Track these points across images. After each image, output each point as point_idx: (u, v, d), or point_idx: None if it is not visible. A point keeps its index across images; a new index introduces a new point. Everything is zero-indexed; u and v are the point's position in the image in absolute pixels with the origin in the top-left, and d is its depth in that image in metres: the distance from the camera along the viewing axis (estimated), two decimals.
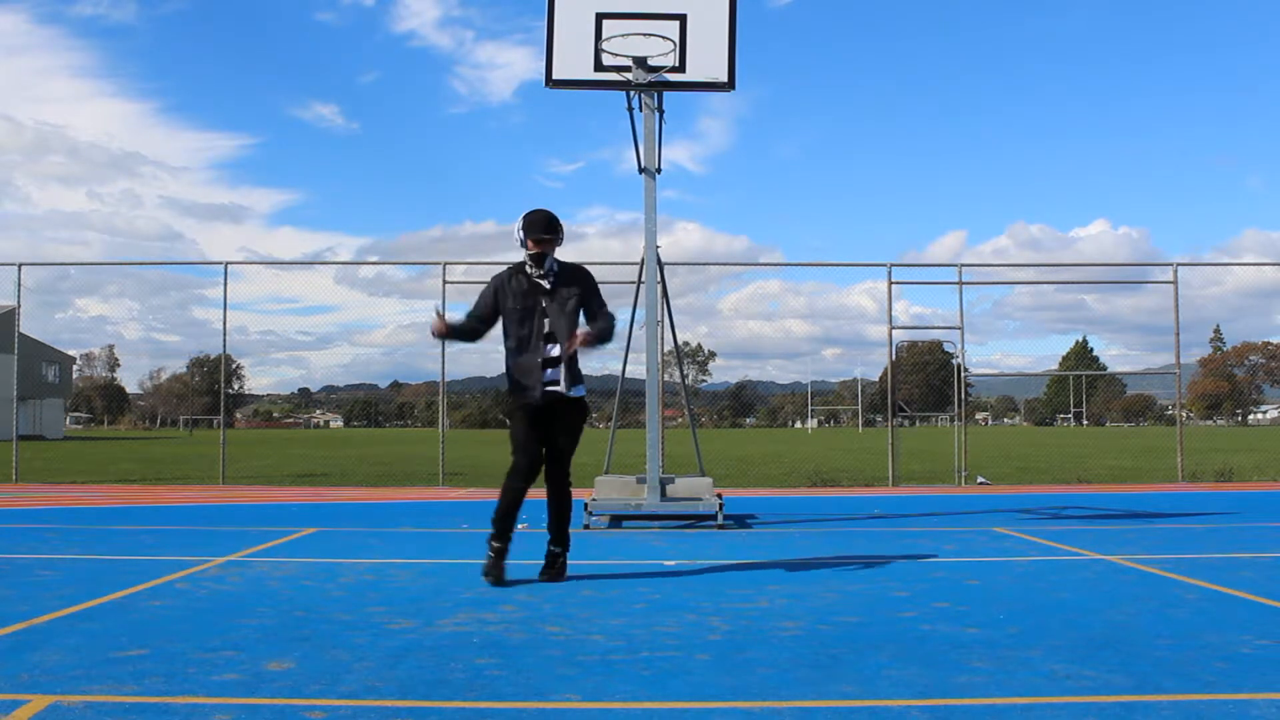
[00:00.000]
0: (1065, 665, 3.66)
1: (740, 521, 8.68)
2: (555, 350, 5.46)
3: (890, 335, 13.67)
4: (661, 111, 8.38)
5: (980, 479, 14.25)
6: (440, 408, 14.52)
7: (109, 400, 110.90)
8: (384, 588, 5.33)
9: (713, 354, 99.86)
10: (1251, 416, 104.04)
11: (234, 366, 57.45)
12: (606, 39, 8.12)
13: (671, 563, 6.27)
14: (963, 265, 14.29)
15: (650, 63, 8.14)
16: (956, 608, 4.73)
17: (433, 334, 5.73)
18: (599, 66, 8.23)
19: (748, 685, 3.40)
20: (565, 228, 5.56)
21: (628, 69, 8.15)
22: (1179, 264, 13.73)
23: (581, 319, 5.57)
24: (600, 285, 5.70)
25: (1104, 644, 3.99)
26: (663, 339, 9.91)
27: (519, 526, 8.39)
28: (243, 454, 25.99)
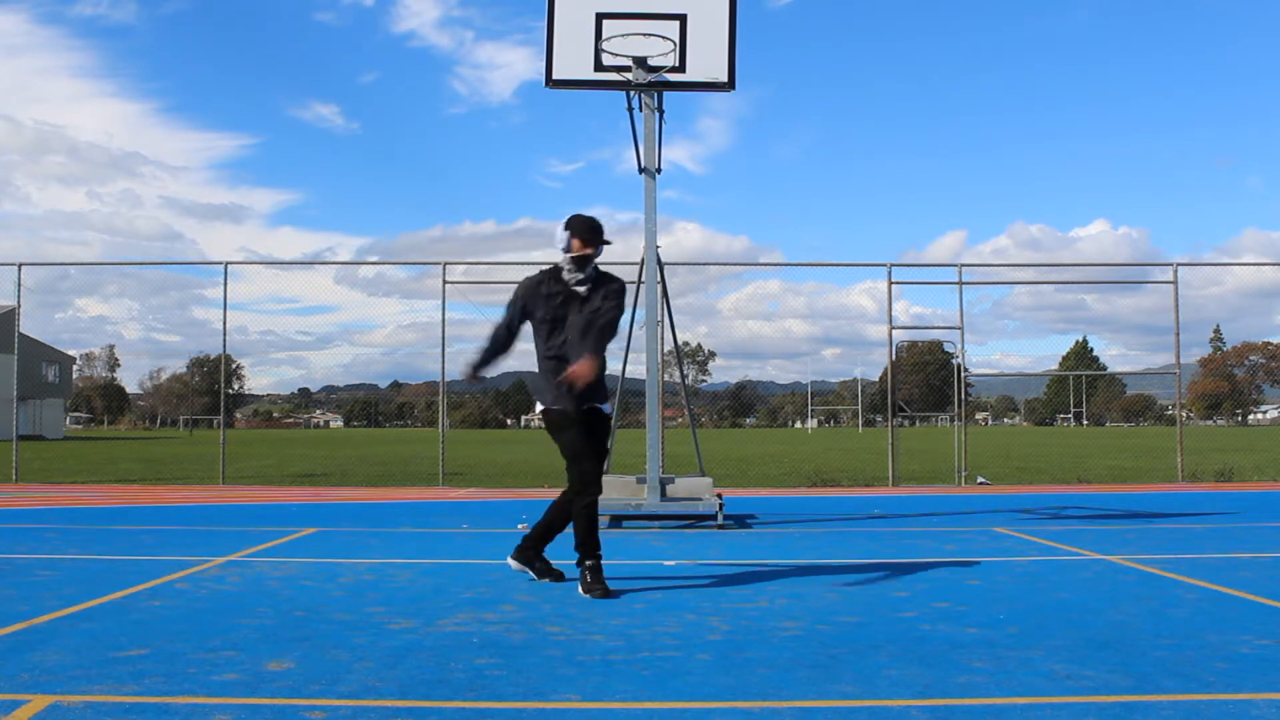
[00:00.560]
0: (1065, 665, 3.66)
1: (740, 521, 8.68)
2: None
3: (890, 335, 13.68)
4: (661, 111, 8.38)
5: (980, 479, 14.25)
6: (440, 408, 14.52)
7: (109, 400, 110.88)
8: (384, 588, 5.33)
9: (712, 354, 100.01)
10: (1251, 416, 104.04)
11: (234, 366, 57.41)
12: (606, 39, 8.12)
13: (671, 563, 6.28)
14: (963, 265, 14.30)
15: (650, 63, 8.14)
16: (956, 608, 4.73)
17: (469, 379, 5.48)
18: (599, 66, 8.23)
19: (748, 685, 3.40)
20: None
21: (628, 69, 8.15)
22: (1179, 264, 13.74)
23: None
24: None
25: (1104, 644, 3.99)
26: (663, 339, 9.91)
27: (519, 526, 8.39)
28: (243, 454, 25.99)
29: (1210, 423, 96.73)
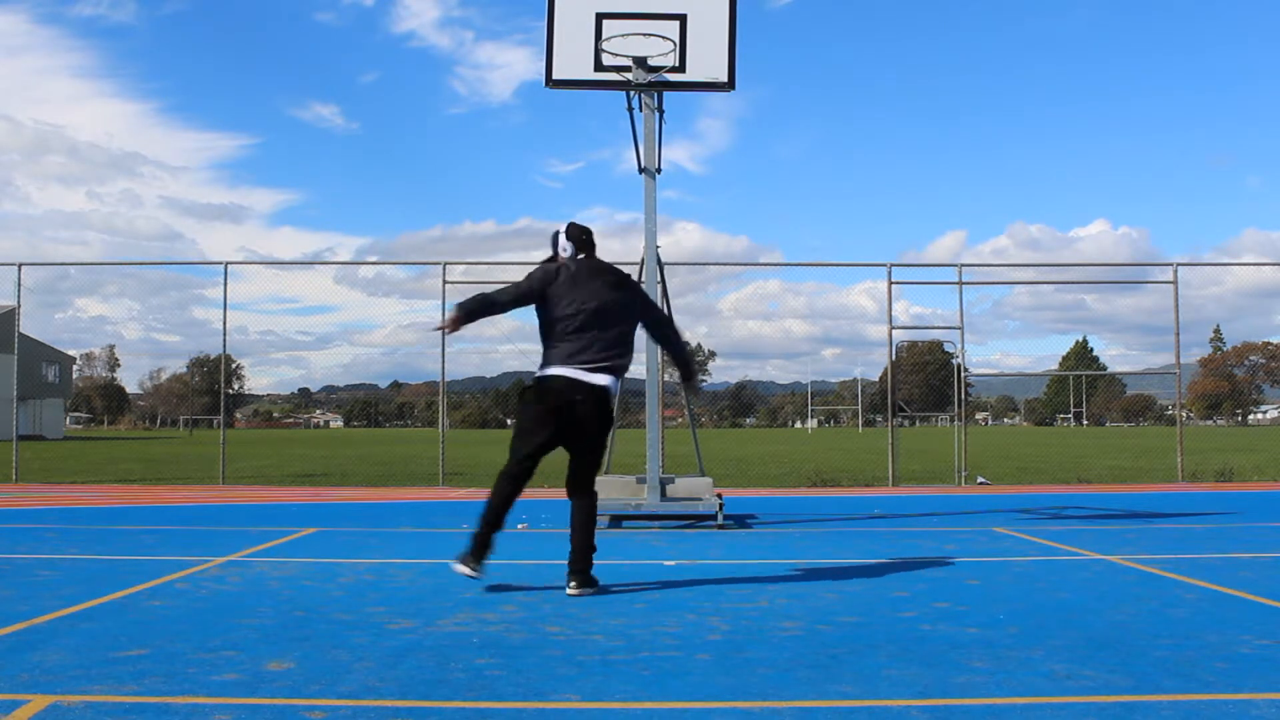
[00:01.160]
0: (1065, 665, 3.66)
1: (740, 521, 8.68)
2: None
3: (890, 335, 13.68)
4: (661, 111, 8.38)
5: (980, 479, 14.25)
6: (440, 408, 14.52)
7: (109, 400, 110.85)
8: (384, 588, 5.33)
9: (712, 354, 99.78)
10: (1251, 416, 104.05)
11: (234, 366, 57.47)
12: (606, 39, 8.12)
13: (671, 563, 6.28)
14: (962, 265, 14.29)
15: (650, 63, 8.14)
16: (956, 608, 4.73)
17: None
18: (599, 66, 8.23)
19: (748, 685, 3.40)
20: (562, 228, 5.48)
21: (628, 69, 8.15)
22: (1179, 264, 13.75)
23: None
24: None
25: (1104, 644, 3.99)
26: None
27: (519, 527, 8.39)
28: (242, 454, 25.99)
29: (1210, 423, 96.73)
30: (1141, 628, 4.30)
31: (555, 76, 8.33)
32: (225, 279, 14.01)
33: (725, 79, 8.26)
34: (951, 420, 27.26)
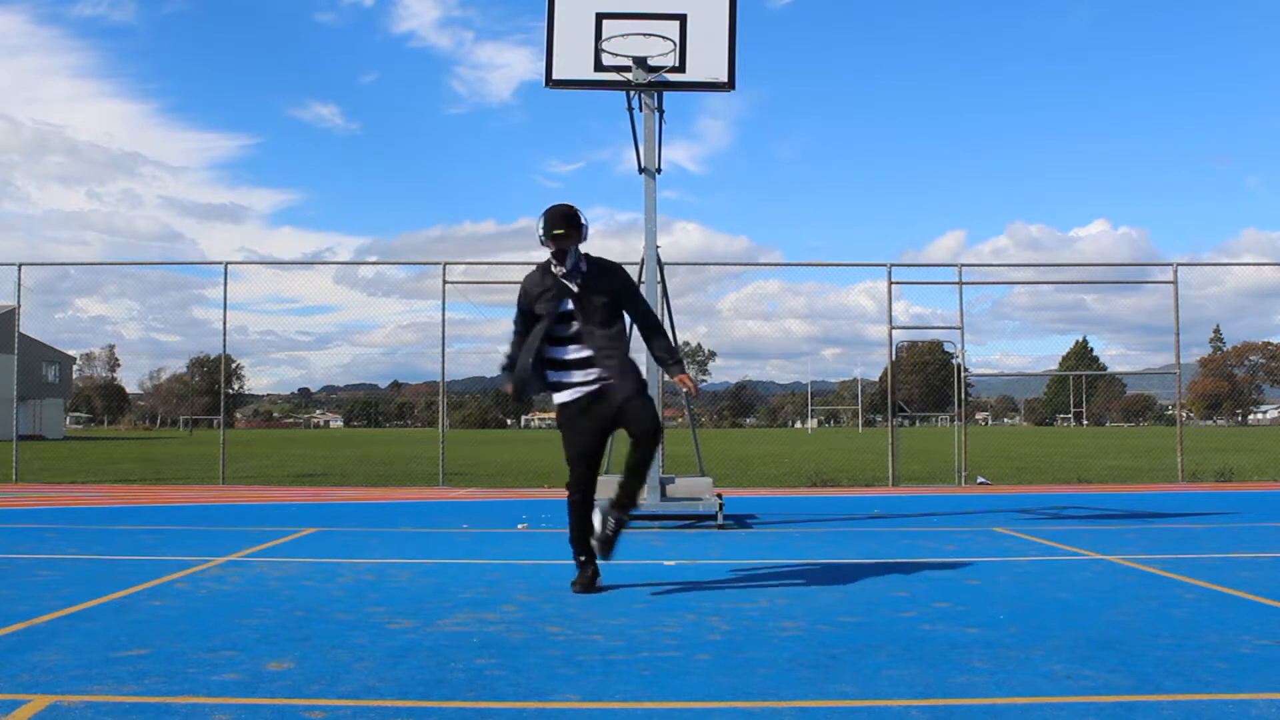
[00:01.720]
0: (1065, 665, 3.66)
1: (740, 521, 8.68)
2: (586, 352, 5.13)
3: (890, 335, 13.68)
4: (661, 111, 8.38)
5: (980, 479, 14.25)
6: (440, 408, 14.52)
7: (109, 400, 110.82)
8: (384, 588, 5.33)
9: (712, 354, 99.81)
10: (1251, 416, 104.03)
11: (234, 366, 57.44)
12: (606, 39, 8.13)
13: (671, 563, 6.27)
14: (962, 265, 14.31)
15: (650, 63, 8.14)
16: (956, 608, 4.73)
17: (515, 400, 5.39)
18: (599, 66, 8.23)
19: (748, 685, 3.40)
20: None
21: (628, 69, 8.15)
22: (1179, 264, 13.75)
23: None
24: None
25: (1104, 644, 3.99)
26: None
27: (519, 527, 8.40)
28: (243, 454, 25.98)
29: (1210, 423, 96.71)
30: (1141, 628, 4.30)
31: (555, 76, 8.33)
32: (225, 279, 14.03)
33: (725, 79, 8.26)
34: (951, 420, 27.27)
